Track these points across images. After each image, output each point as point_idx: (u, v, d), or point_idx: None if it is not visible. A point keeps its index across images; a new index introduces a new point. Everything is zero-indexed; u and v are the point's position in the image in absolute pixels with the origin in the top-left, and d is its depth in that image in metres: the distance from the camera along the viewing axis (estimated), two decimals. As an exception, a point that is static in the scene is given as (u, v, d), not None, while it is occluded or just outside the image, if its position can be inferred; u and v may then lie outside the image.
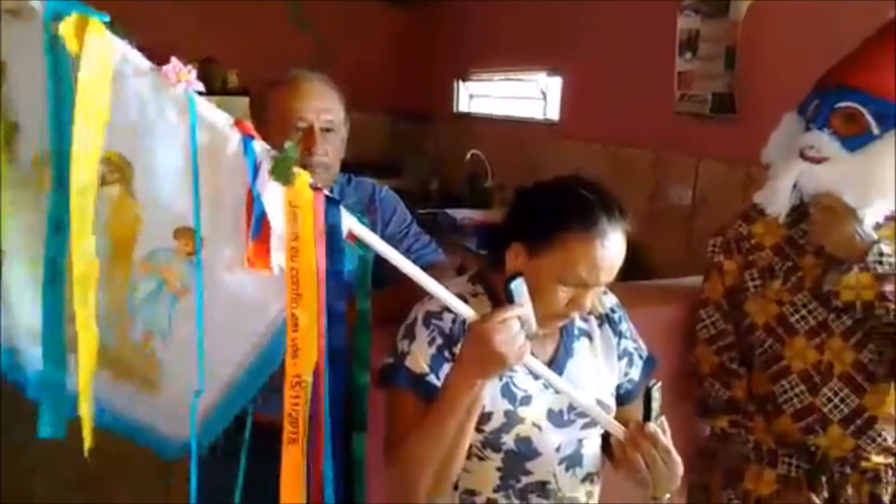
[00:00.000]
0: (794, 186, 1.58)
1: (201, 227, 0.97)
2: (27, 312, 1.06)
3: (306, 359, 1.00)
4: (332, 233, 0.99)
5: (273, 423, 1.04)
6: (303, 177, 0.96)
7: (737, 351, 1.68)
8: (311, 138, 1.47)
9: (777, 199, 1.61)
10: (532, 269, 1.16)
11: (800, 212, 1.60)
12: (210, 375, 1.08)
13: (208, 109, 0.95)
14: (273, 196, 0.94)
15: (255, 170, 0.93)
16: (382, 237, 1.58)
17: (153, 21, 4.60)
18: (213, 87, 4.66)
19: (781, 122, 1.67)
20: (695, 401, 1.74)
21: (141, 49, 0.94)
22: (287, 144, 0.94)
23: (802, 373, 1.57)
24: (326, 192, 1.00)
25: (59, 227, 0.91)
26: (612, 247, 1.14)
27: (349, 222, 1.01)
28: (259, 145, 0.94)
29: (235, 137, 0.94)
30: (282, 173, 0.92)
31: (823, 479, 1.58)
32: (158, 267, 1.05)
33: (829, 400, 1.55)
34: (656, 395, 1.17)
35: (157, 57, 0.94)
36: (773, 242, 1.64)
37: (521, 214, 1.23)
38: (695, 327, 1.73)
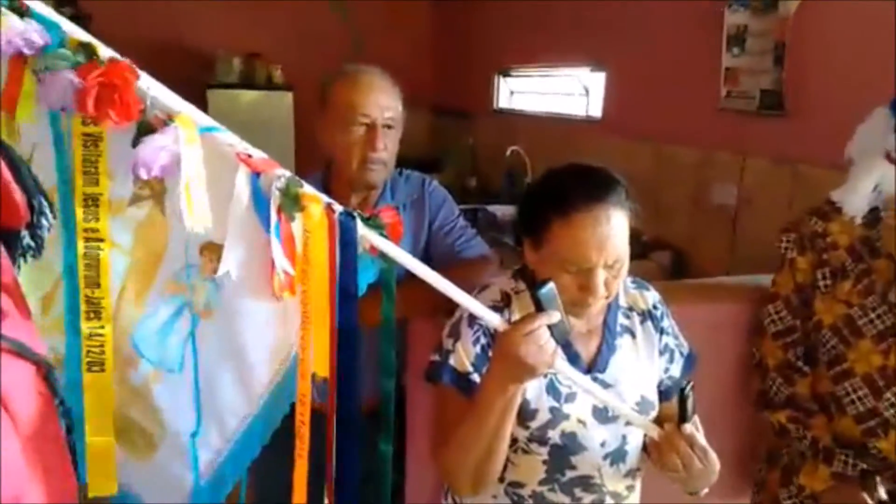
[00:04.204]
0: (875, 188, 1.54)
1: (226, 248, 0.97)
2: None
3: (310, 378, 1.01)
4: (347, 250, 0.98)
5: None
6: (315, 201, 0.94)
7: (803, 348, 1.66)
8: (374, 135, 1.51)
9: (856, 199, 1.57)
10: (539, 261, 1.20)
11: (878, 213, 1.57)
12: (233, 403, 1.10)
13: (222, 143, 0.94)
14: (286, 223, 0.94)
15: (266, 203, 0.92)
16: (430, 230, 1.61)
17: (198, 18, 4.70)
18: (258, 83, 4.73)
19: (870, 117, 1.60)
20: (756, 393, 1.73)
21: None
22: (287, 177, 0.93)
23: (866, 376, 1.55)
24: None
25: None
26: (596, 225, 1.13)
27: (371, 237, 0.99)
28: (266, 180, 0.93)
29: (244, 173, 0.93)
30: (287, 210, 0.91)
31: (878, 479, 1.55)
32: (183, 286, 1.05)
33: (893, 405, 1.52)
34: (690, 394, 1.17)
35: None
36: (847, 243, 1.60)
37: (519, 211, 1.27)
38: (762, 321, 1.71)
